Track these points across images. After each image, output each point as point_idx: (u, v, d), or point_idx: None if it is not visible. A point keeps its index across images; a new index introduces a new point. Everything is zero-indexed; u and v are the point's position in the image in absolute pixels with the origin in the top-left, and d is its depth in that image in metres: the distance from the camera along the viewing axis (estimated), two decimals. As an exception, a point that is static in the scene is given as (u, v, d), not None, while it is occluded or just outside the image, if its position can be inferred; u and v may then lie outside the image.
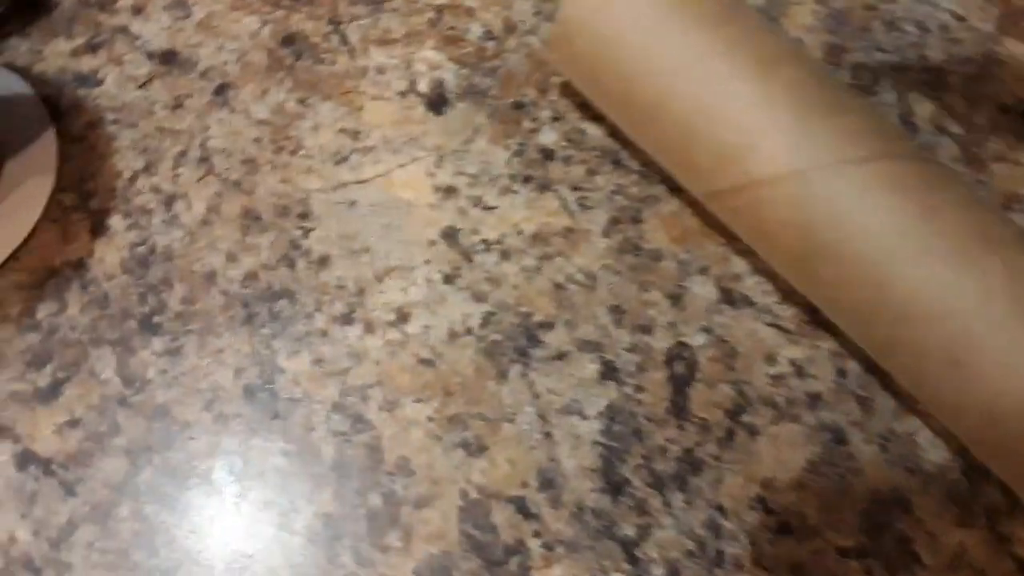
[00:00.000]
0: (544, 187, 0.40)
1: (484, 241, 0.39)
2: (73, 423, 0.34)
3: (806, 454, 0.35)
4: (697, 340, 0.37)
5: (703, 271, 0.38)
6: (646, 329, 0.37)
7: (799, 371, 0.36)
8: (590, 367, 0.36)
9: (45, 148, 0.39)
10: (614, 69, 0.35)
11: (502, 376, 0.36)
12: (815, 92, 0.34)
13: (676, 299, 0.38)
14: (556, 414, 0.35)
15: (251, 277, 0.37)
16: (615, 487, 0.34)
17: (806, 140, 0.32)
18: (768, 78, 0.34)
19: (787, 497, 0.35)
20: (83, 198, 0.38)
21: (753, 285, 0.38)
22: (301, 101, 0.41)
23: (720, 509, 0.34)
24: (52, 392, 0.34)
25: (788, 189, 0.32)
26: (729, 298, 0.38)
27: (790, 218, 0.33)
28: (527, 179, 0.40)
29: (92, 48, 0.42)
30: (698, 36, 0.34)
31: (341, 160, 0.40)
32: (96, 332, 0.36)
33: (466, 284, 0.38)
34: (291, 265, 0.38)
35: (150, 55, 0.42)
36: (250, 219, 0.38)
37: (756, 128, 0.33)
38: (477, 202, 0.39)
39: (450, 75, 0.42)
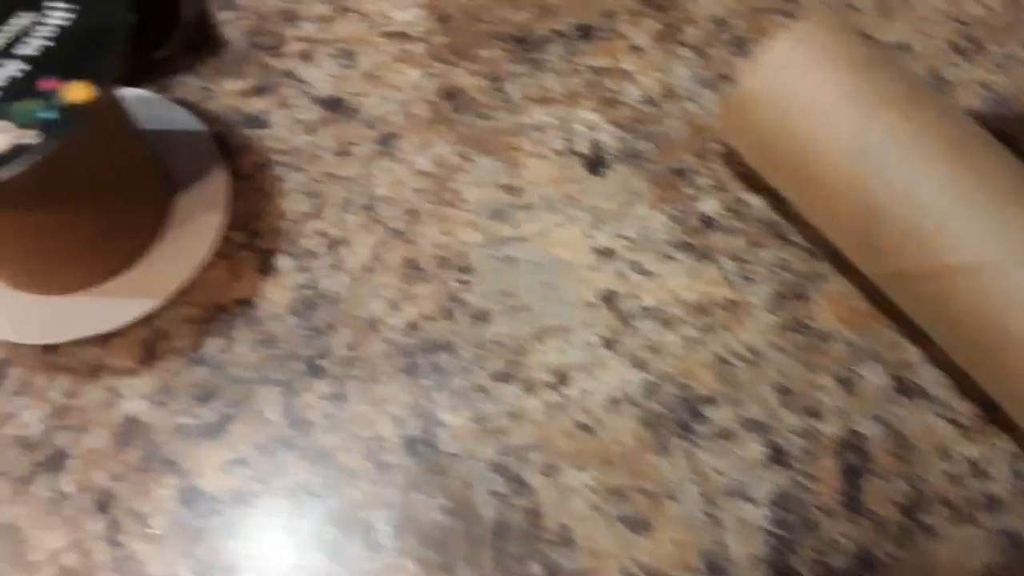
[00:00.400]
0: (704, 256, 0.39)
1: (644, 307, 0.38)
2: (239, 461, 0.34)
3: (983, 558, 0.33)
4: (870, 430, 0.36)
5: (875, 357, 0.37)
6: (815, 413, 0.36)
7: (976, 470, 0.35)
8: (756, 448, 0.35)
9: (216, 185, 0.39)
10: (792, 143, 0.35)
11: (664, 449, 0.35)
12: (1009, 178, 0.33)
13: (847, 384, 0.37)
14: (722, 495, 0.34)
15: (412, 327, 0.37)
16: None
17: (1006, 231, 0.31)
18: (961, 161, 0.33)
19: (960, 600, 0.33)
20: (251, 236, 0.39)
21: (928, 375, 0.37)
22: (462, 155, 0.41)
23: (900, 609, 0.32)
24: (219, 428, 0.34)
25: (985, 280, 0.31)
26: (903, 388, 0.36)
27: (983, 310, 0.32)
28: (687, 247, 0.40)
29: (260, 90, 0.43)
30: (886, 114, 0.34)
31: (500, 216, 0.40)
32: (263, 371, 0.35)
33: (626, 350, 0.37)
34: (451, 317, 0.37)
35: (317, 101, 0.43)
36: (411, 268, 0.38)
37: (951, 212, 0.32)
38: (636, 267, 0.39)
39: (608, 137, 0.42)
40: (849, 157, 0.34)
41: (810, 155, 0.35)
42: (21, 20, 0.30)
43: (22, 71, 0.29)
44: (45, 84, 0.28)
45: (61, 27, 0.30)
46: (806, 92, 0.35)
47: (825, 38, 0.35)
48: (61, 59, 0.29)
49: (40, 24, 0.30)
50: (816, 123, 0.34)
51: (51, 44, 0.30)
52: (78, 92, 0.28)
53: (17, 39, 0.29)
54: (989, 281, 0.31)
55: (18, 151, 0.27)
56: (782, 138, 0.35)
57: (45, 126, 0.28)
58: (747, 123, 0.37)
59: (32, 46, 0.29)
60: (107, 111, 0.33)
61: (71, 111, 0.28)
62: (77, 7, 0.30)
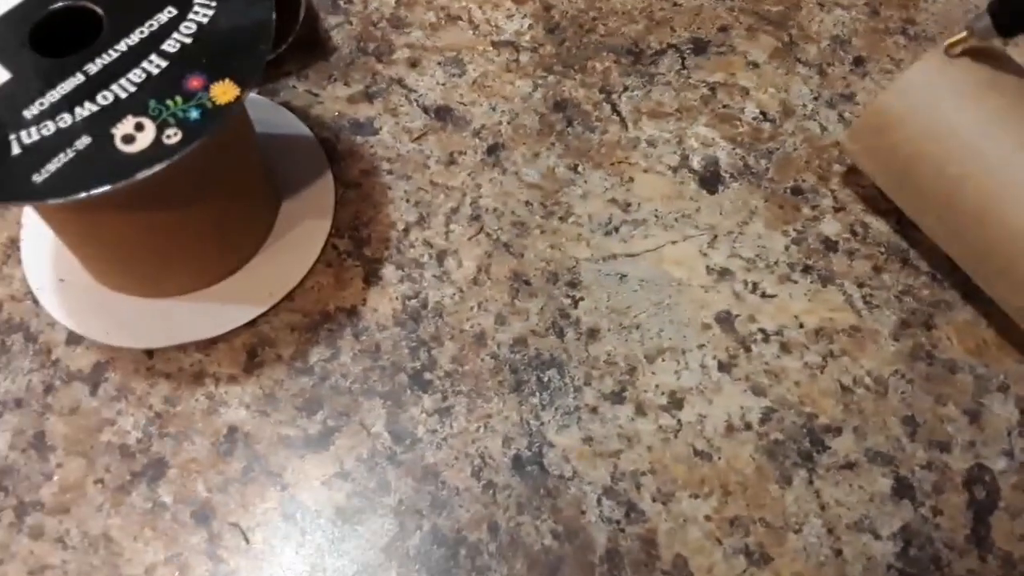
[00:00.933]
0: (826, 280, 0.37)
1: (762, 330, 0.36)
2: (343, 475, 0.33)
3: None
4: (999, 464, 0.33)
5: (1003, 388, 0.35)
6: (943, 446, 0.34)
7: (1118, 514, 0.32)
8: (882, 481, 0.33)
9: (322, 191, 0.38)
10: (937, 167, 0.33)
11: (785, 480, 0.33)
12: None
13: (974, 416, 0.34)
14: (846, 529, 0.32)
15: (520, 343, 0.36)
16: (917, 621, 0.30)
17: None
18: None
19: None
20: (357, 245, 0.38)
21: (1063, 410, 0.34)
22: (571, 168, 0.40)
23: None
24: (322, 441, 0.33)
25: None
26: (1037, 422, 0.34)
27: None
28: (807, 269, 0.38)
29: (368, 96, 0.42)
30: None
31: (611, 231, 0.39)
32: (367, 383, 0.34)
33: (743, 375, 0.35)
34: (560, 334, 0.36)
35: (424, 109, 0.42)
36: (519, 282, 0.37)
37: None
38: (754, 288, 0.37)
39: (723, 154, 0.41)
40: (996, 184, 0.32)
41: (952, 181, 0.33)
42: (164, 15, 0.29)
43: (162, 67, 0.28)
44: (193, 82, 0.28)
45: (204, 24, 0.29)
46: (951, 114, 0.33)
47: (973, 60, 0.33)
48: (206, 56, 0.29)
49: (184, 20, 0.29)
50: (964, 146, 0.33)
51: (195, 40, 0.29)
52: (225, 92, 0.28)
53: (162, 33, 0.29)
54: None
55: (157, 150, 0.26)
56: (924, 160, 0.33)
57: (186, 125, 0.27)
58: (884, 143, 0.35)
59: (175, 41, 0.29)
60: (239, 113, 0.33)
61: (216, 111, 0.27)
62: (218, 4, 0.30)
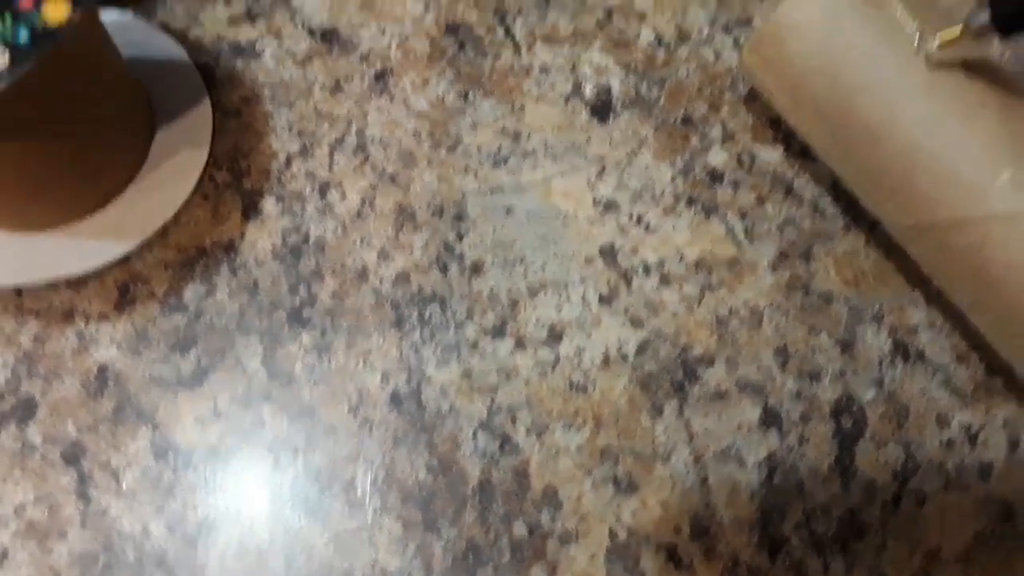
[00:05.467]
0: (710, 211, 0.38)
1: (644, 263, 0.36)
2: (217, 414, 0.33)
3: (975, 526, 0.33)
4: (867, 394, 0.34)
5: (877, 319, 0.36)
6: (814, 376, 0.35)
7: (971, 438, 0.34)
8: (751, 411, 0.34)
9: (199, 119, 0.37)
10: (833, 79, 0.33)
11: (657, 411, 0.34)
12: None
13: (847, 347, 0.35)
14: (713, 458, 0.33)
15: (402, 278, 0.35)
16: (774, 544, 0.32)
17: None
18: (1013, 113, 0.31)
19: (951, 571, 0.32)
20: (236, 177, 0.37)
21: (929, 340, 0.35)
22: (462, 95, 0.39)
23: (889, 583, 0.31)
24: (196, 379, 0.33)
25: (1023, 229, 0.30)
26: (903, 352, 0.35)
27: (1018, 260, 0.30)
28: (692, 201, 0.38)
29: (251, 17, 0.41)
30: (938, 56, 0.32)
31: (500, 162, 0.38)
32: (244, 320, 0.34)
33: (623, 307, 0.36)
34: (444, 269, 0.36)
35: (311, 31, 0.40)
36: (404, 216, 0.37)
37: (997, 161, 0.30)
38: (639, 221, 0.37)
39: (616, 81, 0.40)
40: (895, 97, 0.32)
41: (855, 93, 0.32)
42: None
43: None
44: (23, 2, 0.26)
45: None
46: (849, 24, 0.32)
47: None
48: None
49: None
50: (860, 58, 0.32)
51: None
52: (56, 10, 0.26)
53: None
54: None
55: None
56: (820, 72, 0.33)
57: (15, 48, 0.25)
58: (781, 55, 0.34)
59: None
60: (87, 34, 0.31)
61: (46, 33, 0.26)
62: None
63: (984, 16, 0.29)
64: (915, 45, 0.31)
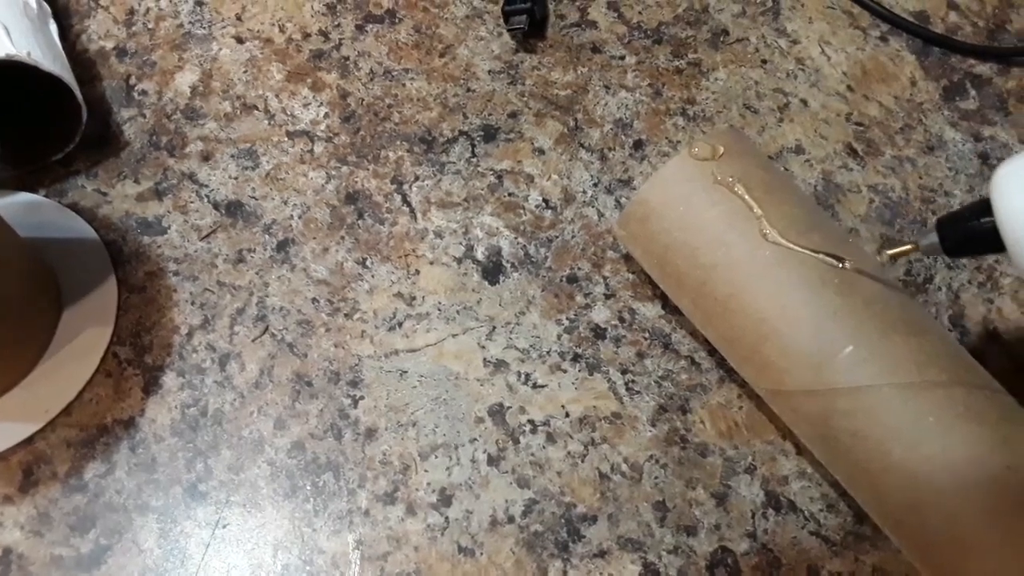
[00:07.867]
0: (593, 368, 0.40)
1: (531, 421, 0.39)
2: (111, 597, 0.34)
3: None
4: (741, 546, 0.36)
5: (749, 470, 0.38)
6: (690, 530, 0.37)
7: (843, 586, 0.36)
8: (631, 568, 0.36)
9: (105, 297, 0.39)
10: (690, 256, 0.36)
11: (542, 572, 0.35)
12: (895, 309, 0.34)
13: (721, 499, 0.37)
14: (594, 618, 0.35)
15: (297, 447, 0.37)
16: None
17: (889, 356, 0.32)
18: (851, 290, 0.34)
19: None
20: (138, 352, 0.39)
21: (799, 490, 0.38)
22: (360, 262, 0.42)
23: None
24: (94, 561, 0.34)
25: (866, 402, 0.32)
26: (775, 503, 0.37)
27: (863, 431, 0.32)
28: (576, 357, 0.40)
29: (158, 193, 0.43)
30: (781, 237, 0.35)
31: (395, 326, 0.40)
32: (141, 498, 0.36)
33: (510, 467, 0.38)
34: (338, 436, 0.38)
35: (215, 205, 0.43)
36: (302, 384, 0.39)
37: (839, 337, 0.33)
38: (526, 379, 0.40)
39: (506, 243, 0.43)
40: (744, 275, 0.35)
41: (709, 270, 0.35)
42: None
43: None
44: None
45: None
46: (701, 209, 0.35)
47: (724, 155, 0.36)
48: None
49: None
50: (717, 240, 0.35)
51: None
52: None
53: None
54: (873, 403, 0.32)
55: None
56: (679, 250, 0.36)
57: None
58: (645, 231, 0.37)
59: None
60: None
61: None
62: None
63: (933, 238, 0.31)
64: (761, 229, 0.34)
